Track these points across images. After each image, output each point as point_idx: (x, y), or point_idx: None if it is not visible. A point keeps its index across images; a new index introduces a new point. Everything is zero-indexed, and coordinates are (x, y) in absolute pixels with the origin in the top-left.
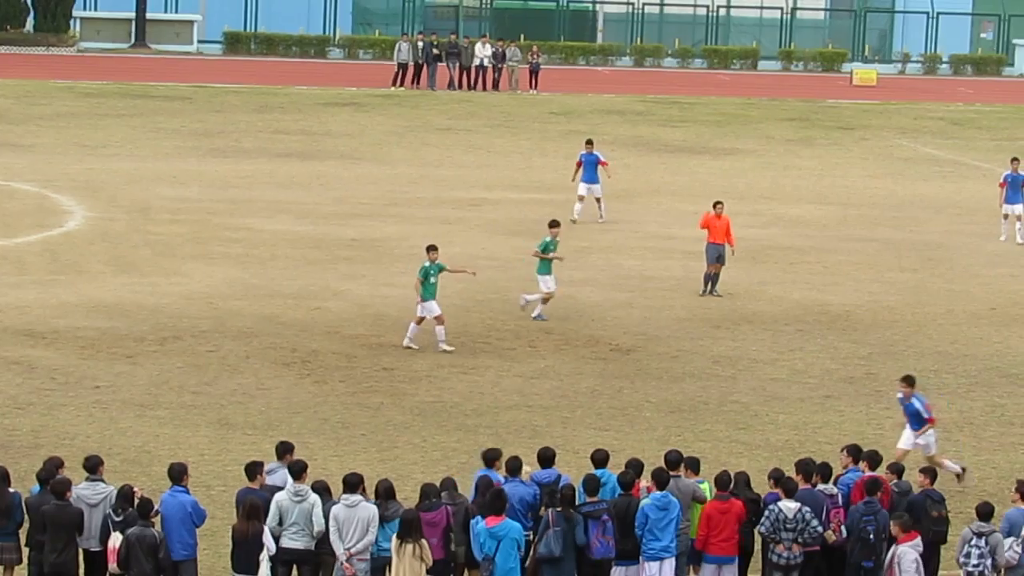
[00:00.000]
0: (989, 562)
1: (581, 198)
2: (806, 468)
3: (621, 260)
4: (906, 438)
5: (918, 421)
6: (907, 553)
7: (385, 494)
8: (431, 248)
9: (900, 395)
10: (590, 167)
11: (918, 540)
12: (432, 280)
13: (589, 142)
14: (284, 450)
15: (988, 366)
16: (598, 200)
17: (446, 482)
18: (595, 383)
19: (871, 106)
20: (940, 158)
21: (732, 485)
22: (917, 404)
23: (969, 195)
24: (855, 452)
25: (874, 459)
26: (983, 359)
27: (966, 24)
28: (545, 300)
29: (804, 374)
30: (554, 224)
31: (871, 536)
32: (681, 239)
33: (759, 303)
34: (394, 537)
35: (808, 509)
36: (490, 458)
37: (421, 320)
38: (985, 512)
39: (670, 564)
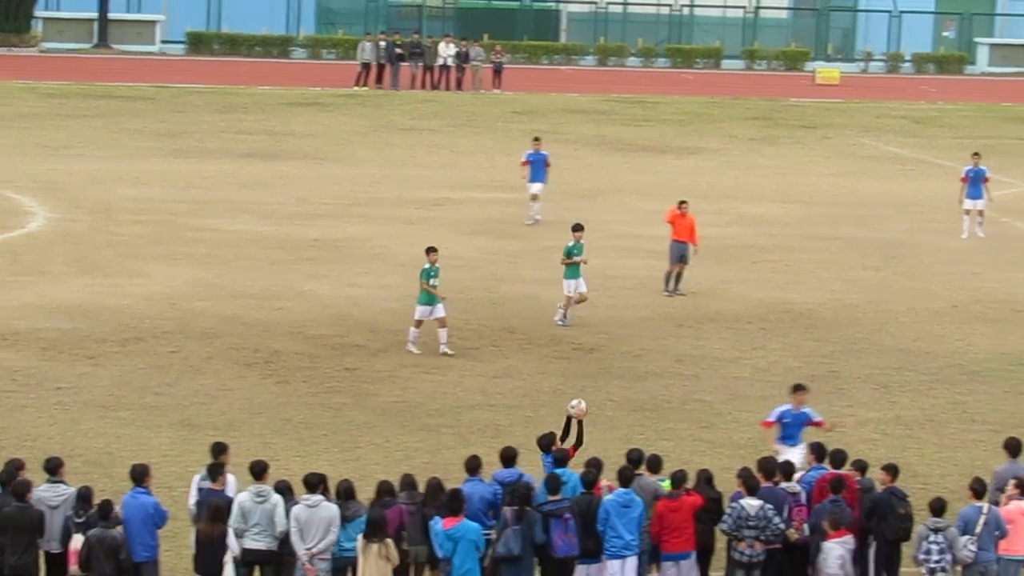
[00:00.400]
0: (949, 557)
1: (534, 197)
2: (768, 466)
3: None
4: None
5: (796, 436)
6: (833, 549)
7: (345, 494)
8: (431, 250)
9: (787, 407)
10: (537, 166)
11: (848, 538)
12: (433, 282)
13: (536, 139)
14: (219, 450)
15: (950, 363)
16: (535, 198)
17: (405, 481)
18: (558, 382)
19: (834, 105)
20: (903, 156)
21: (693, 484)
22: (810, 414)
23: (931, 193)
24: (818, 450)
25: (837, 457)
26: (945, 356)
27: (929, 23)
28: (579, 301)
29: (767, 372)
30: (577, 228)
31: None
32: (645, 238)
33: (722, 302)
34: (360, 537)
35: (770, 507)
36: (544, 443)
37: (420, 323)
38: (938, 507)
39: (632, 562)
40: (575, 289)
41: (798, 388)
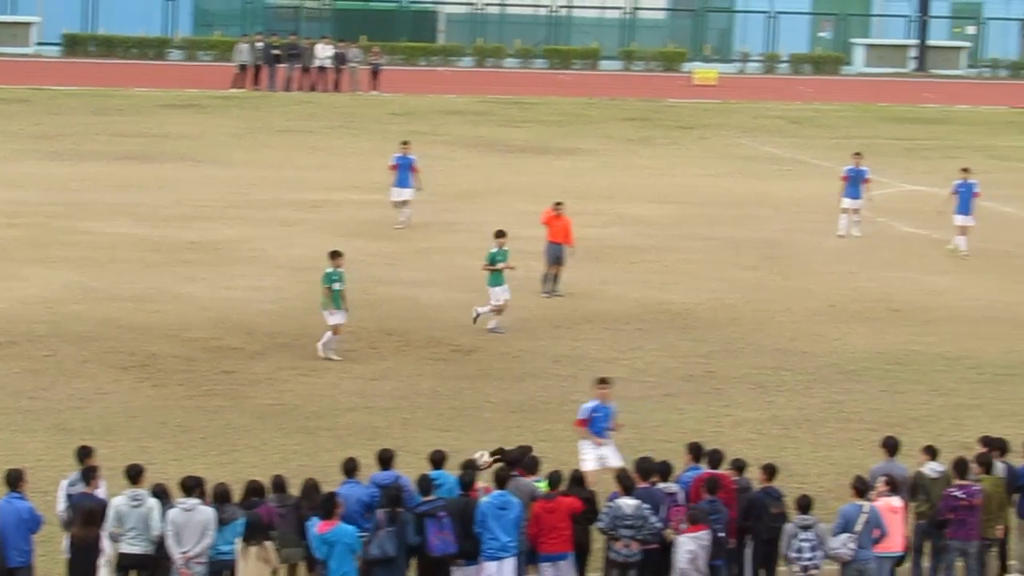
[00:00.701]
0: (821, 554)
1: (401, 203)
2: (644, 466)
3: (463, 261)
4: (592, 457)
5: (602, 427)
6: (684, 544)
7: (222, 497)
8: (335, 254)
9: (596, 403)
10: (404, 170)
11: (702, 534)
12: (337, 287)
13: (404, 143)
14: (84, 454)
15: (827, 363)
16: (405, 203)
17: (275, 482)
18: (436, 384)
19: (711, 105)
20: (780, 156)
21: (565, 484)
22: (614, 408)
23: (808, 193)
24: (695, 450)
25: (715, 457)
26: (822, 356)
27: (805, 23)
28: (499, 311)
29: (644, 373)
30: (500, 234)
31: (718, 534)
32: (523, 239)
33: (600, 302)
34: (239, 540)
35: (647, 506)
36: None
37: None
38: (805, 505)
39: (510, 563)
40: (501, 296)
41: (602, 382)
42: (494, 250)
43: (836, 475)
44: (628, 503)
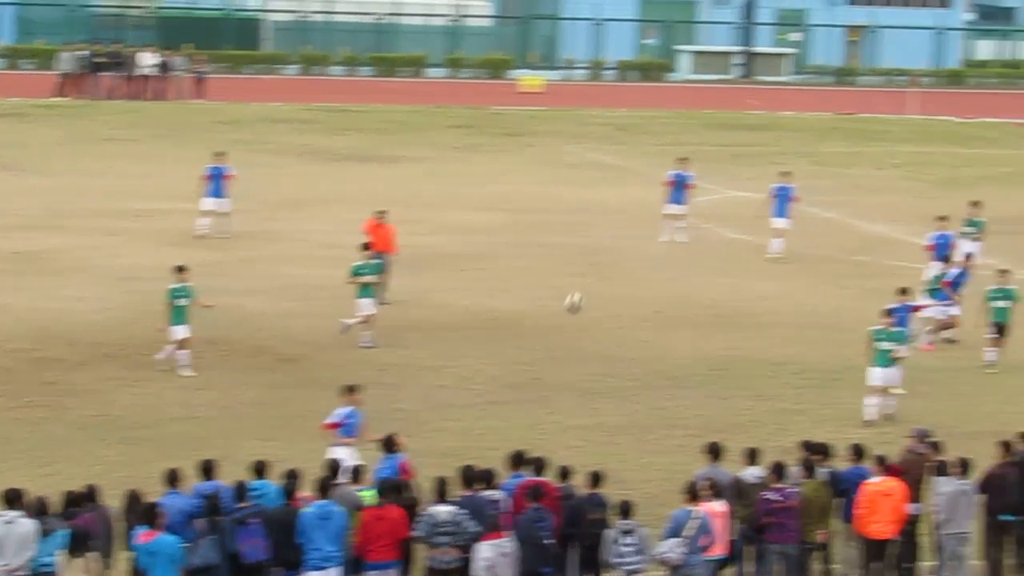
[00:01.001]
0: (645, 558)
1: (207, 213)
2: (467, 474)
3: (287, 269)
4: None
5: (351, 431)
6: (481, 550)
7: (42, 509)
8: (180, 268)
9: (349, 409)
10: (216, 180)
11: (502, 541)
12: (181, 303)
13: (219, 154)
14: None
15: (652, 369)
16: (226, 215)
17: (89, 491)
18: (260, 393)
19: (538, 112)
20: (606, 163)
21: (393, 492)
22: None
23: (634, 199)
24: (517, 459)
25: (538, 464)
26: (647, 362)
27: (631, 30)
28: (366, 322)
29: (470, 380)
30: (366, 247)
31: (544, 541)
32: (348, 248)
33: (426, 310)
34: (62, 552)
35: (464, 512)
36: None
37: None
38: (625, 509)
39: (334, 573)
40: (368, 308)
41: (351, 389)
42: (358, 263)
43: (661, 481)
44: (443, 510)
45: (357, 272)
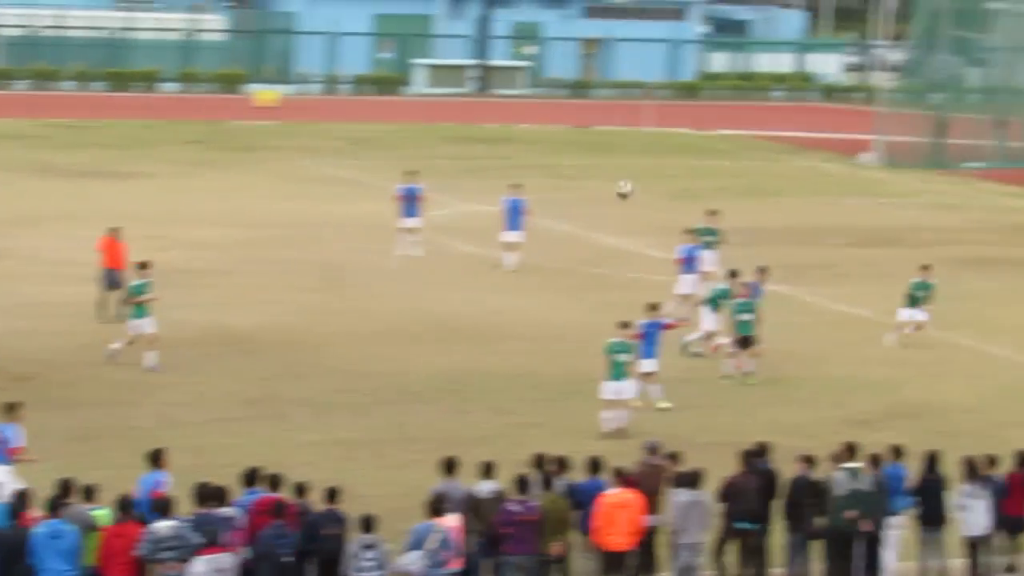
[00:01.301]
0: (385, 572)
1: None
2: (201, 492)
3: (19, 287)
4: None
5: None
6: (195, 564)
7: None
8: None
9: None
10: None
11: (218, 556)
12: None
13: None
14: None
15: (389, 384)
16: None
17: None
18: None
19: (273, 127)
20: (341, 177)
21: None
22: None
23: (369, 213)
24: (250, 477)
25: (274, 481)
26: (384, 377)
27: (366, 44)
28: (132, 343)
29: (205, 397)
30: (143, 265)
31: (283, 559)
32: (81, 264)
33: (161, 328)
34: None
35: (188, 527)
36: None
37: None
38: (367, 524)
39: None
40: (142, 329)
41: (11, 407)
42: (137, 281)
43: (399, 496)
44: (165, 526)
45: (135, 292)
